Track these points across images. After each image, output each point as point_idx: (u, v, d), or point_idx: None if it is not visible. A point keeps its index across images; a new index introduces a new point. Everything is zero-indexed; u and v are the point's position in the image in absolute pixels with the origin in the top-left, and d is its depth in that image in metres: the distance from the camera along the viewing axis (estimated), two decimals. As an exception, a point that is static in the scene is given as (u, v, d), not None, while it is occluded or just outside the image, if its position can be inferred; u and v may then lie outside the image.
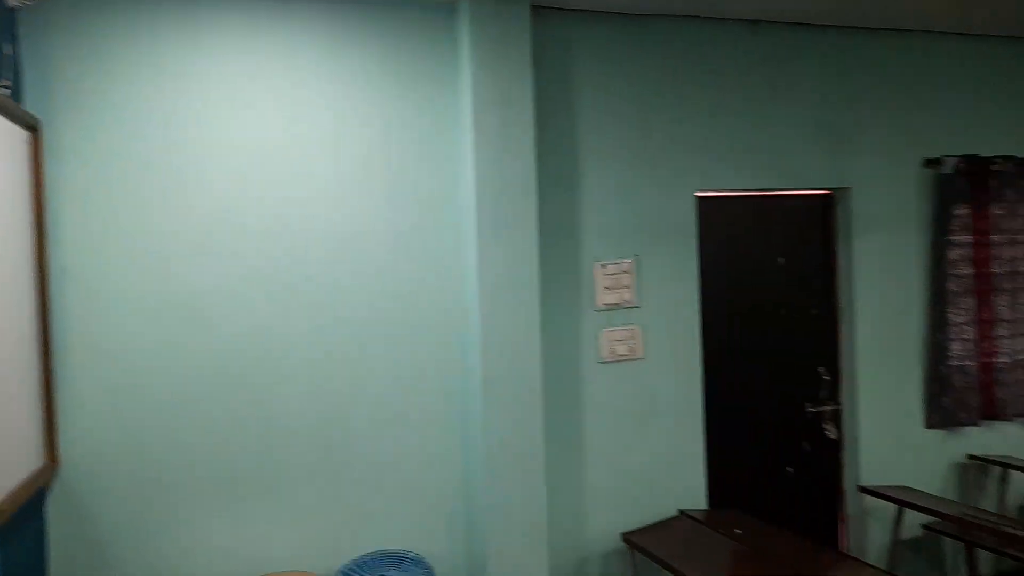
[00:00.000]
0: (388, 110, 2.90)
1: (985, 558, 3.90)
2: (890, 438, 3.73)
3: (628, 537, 3.16)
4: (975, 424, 3.85)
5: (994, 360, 3.89)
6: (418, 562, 2.87)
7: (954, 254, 3.78)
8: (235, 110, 2.73)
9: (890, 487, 3.62)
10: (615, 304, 3.20)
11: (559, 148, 3.15)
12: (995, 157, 3.84)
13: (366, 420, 2.89)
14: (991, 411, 3.89)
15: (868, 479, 3.66)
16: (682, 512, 3.31)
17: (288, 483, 2.80)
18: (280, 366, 2.78)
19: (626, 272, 3.21)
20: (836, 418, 3.72)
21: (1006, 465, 3.79)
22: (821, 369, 3.71)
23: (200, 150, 2.70)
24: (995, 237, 3.89)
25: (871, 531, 3.67)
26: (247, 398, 2.75)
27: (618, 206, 3.24)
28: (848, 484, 3.71)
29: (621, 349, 3.21)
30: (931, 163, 3.76)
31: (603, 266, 3.19)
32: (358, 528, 2.88)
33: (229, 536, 2.74)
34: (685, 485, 3.36)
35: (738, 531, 3.07)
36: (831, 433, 3.70)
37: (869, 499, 3.64)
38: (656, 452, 3.30)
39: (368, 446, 2.89)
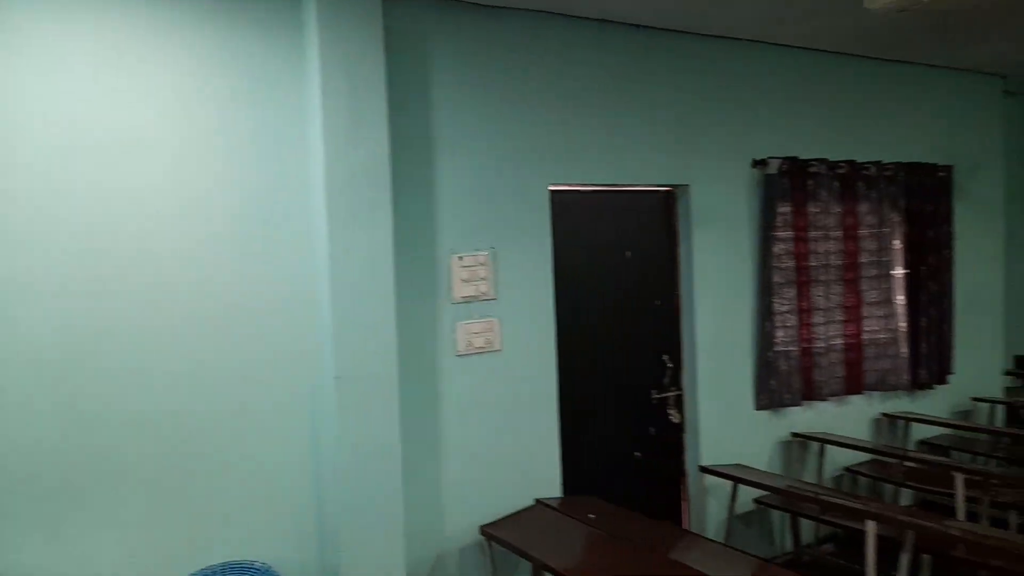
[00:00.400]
0: (231, 96, 2.73)
1: (808, 527, 4.31)
2: (726, 420, 4.03)
3: (485, 529, 3.18)
4: (797, 404, 4.25)
5: (812, 345, 4.31)
6: (266, 572, 2.73)
7: (778, 248, 4.14)
8: (56, 90, 2.46)
9: (726, 466, 3.90)
10: (472, 296, 3.22)
11: (414, 138, 3.12)
12: (811, 160, 4.25)
13: (207, 419, 2.70)
14: (810, 392, 4.31)
15: (707, 459, 3.93)
16: (538, 501, 3.39)
17: (115, 491, 2.56)
18: (107, 363, 2.54)
19: (483, 264, 3.24)
20: (679, 403, 3.96)
21: (823, 440, 4.21)
22: (665, 357, 3.93)
23: (8, 128, 2.41)
24: (812, 233, 4.30)
25: (710, 508, 3.95)
26: (65, 399, 2.48)
27: (474, 198, 3.25)
28: (690, 465, 3.96)
29: (478, 342, 3.23)
30: (758, 163, 4.09)
31: (460, 258, 3.19)
32: (198, 538, 2.69)
33: (45, 554, 2.46)
34: (542, 475, 3.44)
35: (591, 516, 3.18)
36: (674, 417, 3.94)
37: (708, 478, 3.90)
38: (513, 443, 3.36)
39: (209, 447, 2.70)
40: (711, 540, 3.36)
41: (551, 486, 3.46)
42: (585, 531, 3.06)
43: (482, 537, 3.22)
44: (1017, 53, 4.77)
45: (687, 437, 3.97)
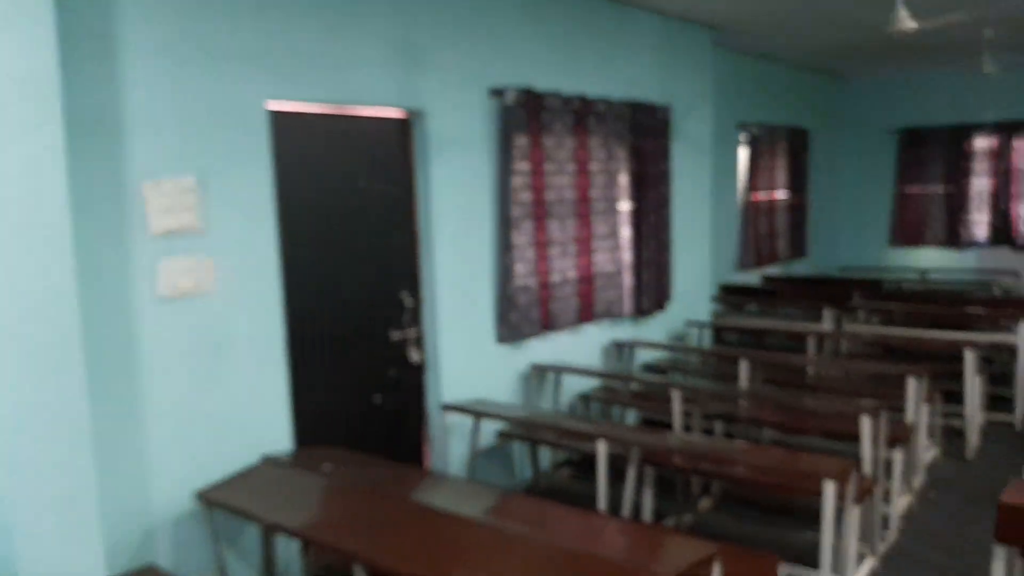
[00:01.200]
0: None
1: (547, 454, 4.54)
2: (468, 356, 4.06)
3: (205, 494, 2.88)
4: (536, 336, 4.41)
5: (549, 278, 4.48)
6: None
7: (516, 181, 4.20)
8: None
9: (468, 402, 3.94)
10: (175, 230, 2.81)
11: (91, 36, 2.61)
12: (547, 93, 4.34)
13: None
14: (548, 323, 4.49)
15: (450, 397, 3.94)
16: (266, 457, 3.14)
17: None
18: None
19: (188, 192, 2.84)
20: (419, 342, 3.90)
21: (560, 370, 4.43)
22: (404, 294, 3.83)
23: None
24: (547, 166, 4.42)
25: (454, 446, 3.98)
26: None
27: (176, 114, 2.82)
28: (432, 404, 3.94)
29: (186, 283, 2.86)
30: (496, 93, 4.08)
31: (157, 184, 2.76)
32: None
33: None
34: (269, 428, 3.19)
35: (327, 468, 3.02)
36: (415, 357, 3.87)
37: (452, 416, 3.92)
38: (233, 397, 3.05)
39: None
40: (454, 478, 3.38)
41: (281, 440, 3.23)
42: (320, 484, 2.90)
43: (201, 504, 2.91)
44: (725, 10, 5.26)
45: (429, 376, 3.93)
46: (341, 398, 3.59)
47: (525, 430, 3.99)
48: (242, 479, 3.00)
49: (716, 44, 6.10)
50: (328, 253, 3.50)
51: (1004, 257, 8.28)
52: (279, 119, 3.21)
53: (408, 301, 3.84)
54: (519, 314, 4.26)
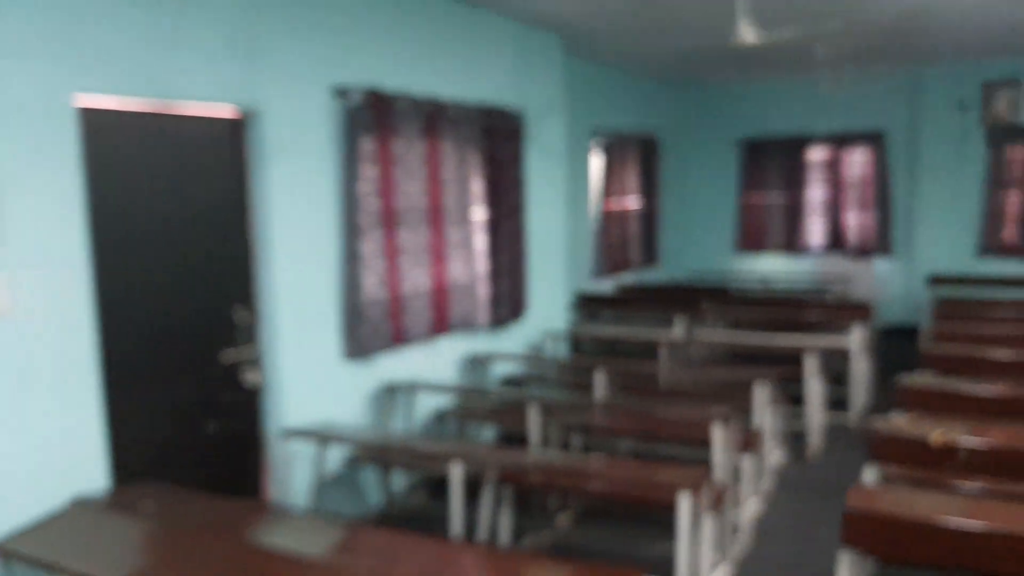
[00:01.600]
0: None
1: (401, 476, 4.43)
2: (313, 375, 3.88)
3: (3, 546, 2.57)
4: (388, 351, 4.29)
5: (401, 289, 4.38)
6: None
7: (363, 188, 4.07)
8: None
9: (314, 425, 3.77)
10: (-44, 242, 2.49)
11: None
12: (397, 95, 4.25)
13: None
14: (400, 337, 4.39)
15: (293, 420, 3.74)
16: (77, 499, 2.84)
17: None
18: None
19: (-28, 198, 2.52)
20: (256, 362, 3.68)
21: (414, 387, 4.34)
22: (238, 310, 3.61)
23: None
24: (397, 172, 4.33)
25: (297, 474, 3.78)
26: None
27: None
28: (272, 430, 3.74)
29: (-29, 303, 2.53)
30: (341, 93, 3.95)
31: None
32: None
33: None
34: (80, 466, 2.89)
35: (148, 508, 2.78)
36: (253, 378, 3.66)
37: (294, 443, 3.73)
38: (35, 431, 2.74)
39: None
40: (296, 511, 3.22)
41: (95, 478, 2.93)
42: (139, 527, 2.65)
43: (-5, 559, 2.59)
44: (572, 15, 5.39)
45: (268, 399, 3.72)
46: (167, 428, 3.33)
47: (376, 454, 3.87)
48: (48, 526, 2.70)
49: (568, 51, 6.25)
50: (151, 266, 3.23)
51: (837, 263, 9.03)
52: (91, 117, 2.93)
53: (243, 318, 3.62)
54: (368, 328, 4.13)
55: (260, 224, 3.65)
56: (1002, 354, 4.11)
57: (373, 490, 4.30)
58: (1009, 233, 8.23)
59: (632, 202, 8.28)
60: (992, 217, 8.25)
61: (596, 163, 7.55)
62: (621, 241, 8.08)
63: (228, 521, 2.74)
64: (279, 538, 2.60)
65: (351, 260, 4.02)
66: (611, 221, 7.84)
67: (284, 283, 3.71)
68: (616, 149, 7.86)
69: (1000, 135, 8.10)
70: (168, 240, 3.30)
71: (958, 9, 5.68)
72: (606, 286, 7.68)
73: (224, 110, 3.48)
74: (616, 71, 7.75)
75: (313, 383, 3.89)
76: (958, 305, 6.21)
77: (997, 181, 8.20)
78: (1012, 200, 8.19)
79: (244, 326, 3.61)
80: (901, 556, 2.19)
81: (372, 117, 4.09)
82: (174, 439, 3.36)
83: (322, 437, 3.61)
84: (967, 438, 2.67)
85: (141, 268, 3.19)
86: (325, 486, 3.88)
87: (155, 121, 3.23)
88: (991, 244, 8.28)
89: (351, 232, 4.01)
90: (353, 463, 4.01)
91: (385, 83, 4.20)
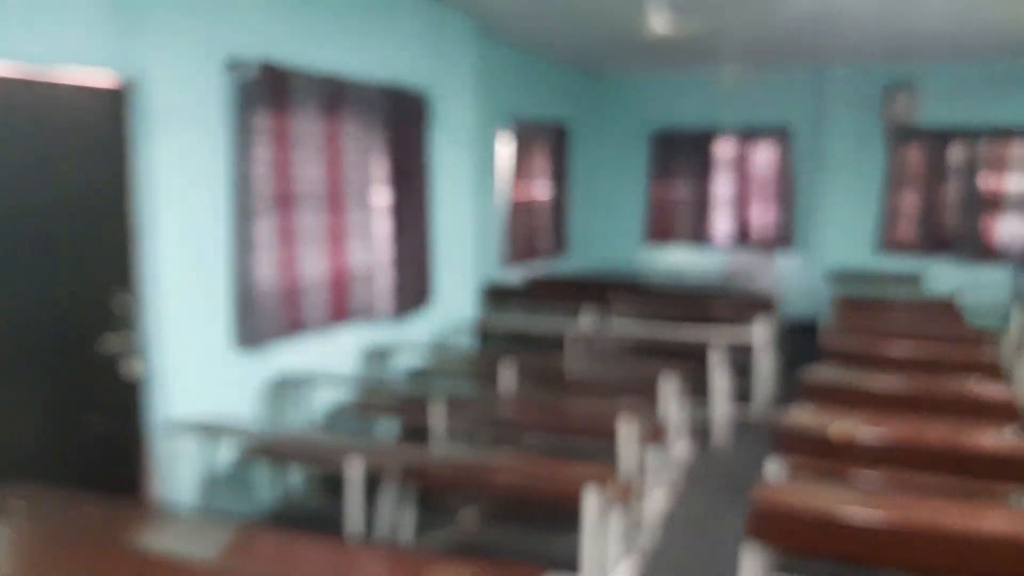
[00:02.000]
0: None
1: (297, 472, 4.31)
2: (202, 366, 3.72)
3: None
4: (284, 340, 4.16)
5: (298, 276, 4.25)
6: None
7: (258, 168, 3.92)
8: None
9: (203, 419, 3.61)
10: None
11: None
12: (294, 70, 4.10)
13: None
14: (297, 325, 4.26)
15: (180, 414, 3.58)
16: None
17: None
18: None
19: None
20: (138, 352, 3.50)
21: (312, 379, 4.22)
22: (117, 297, 3.41)
23: None
24: (295, 153, 4.19)
25: (184, 472, 3.62)
26: None
27: None
28: (157, 424, 3.56)
29: None
30: (234, 66, 3.78)
31: None
32: None
33: None
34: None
35: (16, 510, 2.59)
36: (134, 369, 3.47)
37: (180, 438, 3.56)
38: None
39: None
40: (183, 511, 3.07)
41: (-51, 481, 2.72)
42: (7, 532, 2.47)
43: None
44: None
45: (151, 392, 3.54)
46: (38, 424, 3.12)
47: (269, 449, 3.74)
48: None
49: (481, 35, 6.20)
50: (16, 249, 3.01)
51: (742, 256, 9.35)
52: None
53: (122, 304, 3.42)
54: (262, 316, 3.99)
55: (143, 203, 3.46)
56: (899, 348, 4.33)
57: (267, 488, 4.17)
58: (905, 230, 8.72)
59: (542, 191, 8.32)
60: (890, 215, 8.73)
61: (506, 150, 7.54)
62: (530, 230, 8.11)
63: (107, 524, 2.58)
64: (163, 541, 2.48)
65: (243, 244, 3.87)
66: (520, 210, 7.86)
67: (169, 267, 3.53)
68: (526, 137, 7.87)
69: (898, 136, 8.57)
70: (37, 220, 3.09)
71: (858, 15, 5.96)
72: (515, 275, 7.69)
73: (103, 78, 3.27)
74: (529, 58, 7.76)
75: (202, 374, 3.73)
76: (857, 300, 6.53)
77: (895, 180, 8.67)
78: (909, 199, 8.68)
79: (124, 313, 3.42)
80: (804, 548, 2.28)
81: (267, 93, 3.95)
82: (47, 436, 3.16)
83: (210, 431, 3.46)
84: (866, 431, 2.80)
85: (3, 251, 2.97)
86: (214, 484, 3.73)
87: (22, 88, 3.00)
88: (889, 241, 8.76)
89: (244, 214, 3.86)
90: (245, 459, 3.87)
91: (283, 57, 4.05)
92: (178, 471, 3.60)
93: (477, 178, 6.32)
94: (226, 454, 3.79)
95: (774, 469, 2.98)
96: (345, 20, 4.59)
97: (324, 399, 4.48)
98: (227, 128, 3.79)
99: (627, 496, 3.38)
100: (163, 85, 3.45)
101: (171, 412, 3.56)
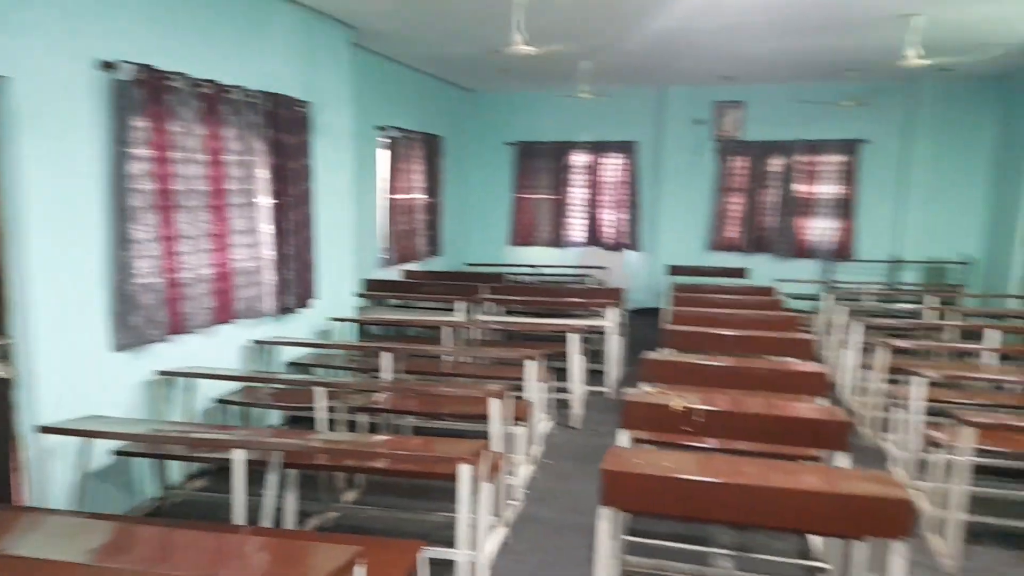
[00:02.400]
0: None
1: (178, 467, 4.02)
2: (76, 367, 3.39)
3: None
4: (164, 339, 3.87)
5: (179, 276, 3.95)
6: None
7: (135, 168, 3.62)
8: None
9: (77, 420, 3.29)
10: None
11: None
12: (171, 72, 3.81)
13: None
14: (178, 325, 3.97)
15: (53, 416, 3.24)
16: None
17: None
18: None
19: None
20: (7, 352, 3.15)
21: (192, 375, 3.94)
22: (-15, 297, 3.06)
23: None
24: (175, 154, 3.89)
25: (57, 473, 3.29)
26: None
27: None
28: (26, 427, 3.21)
29: None
30: (107, 66, 3.46)
31: None
32: None
33: None
34: None
35: None
36: (2, 372, 3.12)
37: (53, 439, 3.23)
38: None
39: None
40: (56, 512, 2.78)
41: None
42: None
43: None
44: (357, 9, 5.20)
45: (21, 394, 3.20)
46: None
47: (149, 445, 3.46)
48: None
49: (358, 46, 6.02)
50: None
51: (596, 255, 9.59)
52: None
53: (-9, 305, 3.07)
54: (142, 316, 3.68)
55: (10, 201, 3.11)
56: (726, 332, 4.53)
57: (148, 483, 3.86)
58: (731, 231, 9.21)
59: (418, 196, 8.20)
60: (719, 217, 9.19)
61: (384, 157, 7.37)
62: (407, 233, 7.97)
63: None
64: (34, 544, 2.22)
65: (122, 244, 3.56)
66: (398, 213, 7.70)
67: (41, 267, 3.20)
68: (403, 145, 7.72)
69: (727, 148, 9.04)
70: None
71: (695, 42, 6.22)
72: (394, 275, 7.54)
73: (-37, 74, 2.91)
74: (404, 70, 7.61)
75: (77, 375, 3.40)
76: (691, 291, 6.80)
77: (724, 187, 9.13)
78: (735, 203, 9.17)
79: (-9, 314, 3.06)
80: (649, 509, 2.32)
81: (145, 95, 3.64)
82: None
83: (82, 433, 3.15)
84: (700, 403, 2.90)
85: None
86: (91, 484, 3.41)
87: None
88: (718, 240, 9.22)
89: (121, 214, 3.55)
90: (123, 456, 3.56)
91: (160, 62, 3.76)
92: (53, 474, 3.26)
93: (357, 183, 6.14)
94: (102, 453, 3.48)
95: (623, 440, 3.03)
96: (222, 29, 4.31)
97: (207, 395, 4.21)
98: (102, 128, 3.47)
99: (497, 470, 3.35)
100: (33, 82, 3.11)
101: (45, 414, 3.22)
